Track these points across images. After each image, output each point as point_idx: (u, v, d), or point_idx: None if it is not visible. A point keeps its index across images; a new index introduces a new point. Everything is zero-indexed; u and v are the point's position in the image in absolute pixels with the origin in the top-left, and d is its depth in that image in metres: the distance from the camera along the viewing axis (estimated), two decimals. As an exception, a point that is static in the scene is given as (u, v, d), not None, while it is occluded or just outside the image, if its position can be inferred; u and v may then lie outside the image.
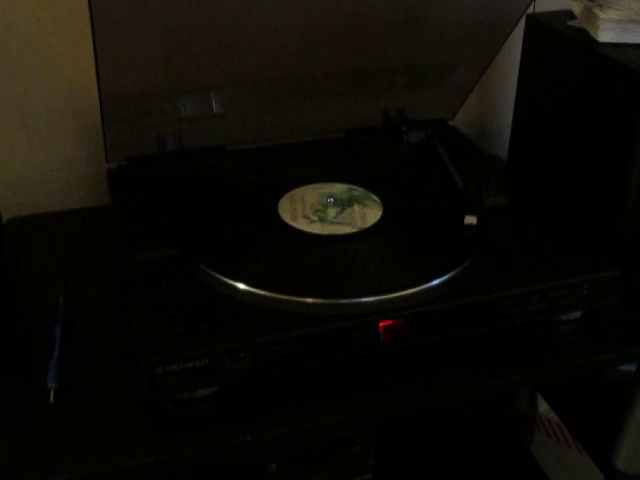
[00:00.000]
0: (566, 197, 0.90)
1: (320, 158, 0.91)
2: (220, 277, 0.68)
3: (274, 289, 0.66)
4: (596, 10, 0.84)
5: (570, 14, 0.91)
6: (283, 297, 0.66)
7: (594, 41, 0.84)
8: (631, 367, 0.84)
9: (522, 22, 0.91)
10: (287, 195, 0.81)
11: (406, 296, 0.67)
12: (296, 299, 0.66)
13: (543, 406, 1.16)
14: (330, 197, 0.79)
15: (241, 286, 0.67)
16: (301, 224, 0.76)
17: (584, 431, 1.01)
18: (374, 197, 0.81)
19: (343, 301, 0.66)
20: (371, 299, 0.66)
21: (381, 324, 0.65)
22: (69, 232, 0.91)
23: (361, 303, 0.66)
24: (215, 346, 0.61)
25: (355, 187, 0.82)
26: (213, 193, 0.83)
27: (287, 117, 0.92)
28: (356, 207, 0.79)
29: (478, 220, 0.74)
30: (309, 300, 0.66)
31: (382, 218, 0.77)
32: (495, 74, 1.07)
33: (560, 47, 0.90)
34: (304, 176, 0.84)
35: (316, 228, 0.75)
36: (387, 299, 0.66)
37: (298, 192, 0.81)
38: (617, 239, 0.83)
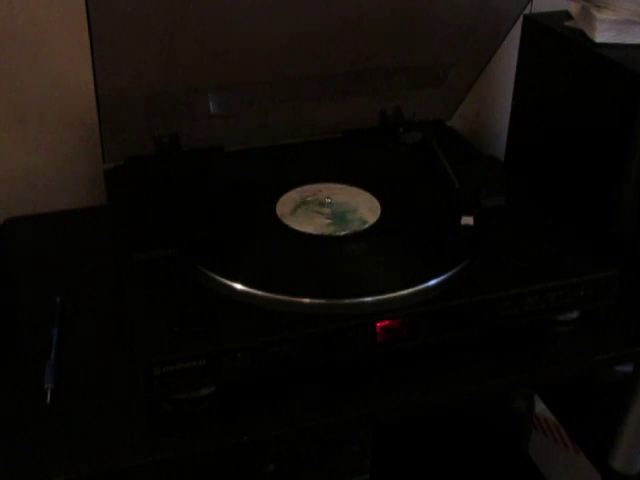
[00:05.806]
0: (563, 197, 0.90)
1: (317, 159, 0.91)
2: (218, 277, 0.68)
3: (271, 289, 0.66)
4: (593, 10, 0.84)
5: (567, 15, 0.91)
6: (280, 297, 0.66)
7: (591, 41, 0.84)
8: (628, 367, 0.84)
9: (519, 22, 0.91)
10: (285, 196, 0.81)
11: (403, 296, 0.67)
12: (293, 299, 0.66)
13: (540, 406, 1.16)
14: (329, 198, 0.79)
15: (238, 286, 0.67)
16: (298, 224, 0.76)
17: (581, 431, 1.01)
18: (375, 220, 0.77)
19: (340, 301, 0.66)
20: (368, 299, 0.66)
21: (378, 324, 0.65)
22: (66, 232, 0.91)
23: (358, 303, 0.66)
24: (212, 347, 0.61)
25: (376, 202, 0.80)
26: (210, 193, 0.83)
27: (284, 118, 0.92)
28: (341, 218, 0.77)
29: (475, 220, 0.75)
30: (306, 300, 0.66)
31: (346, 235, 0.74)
32: (492, 74, 1.07)
33: (557, 47, 0.90)
34: (301, 177, 0.84)
35: (309, 228, 0.75)
36: (384, 299, 0.66)
37: (296, 192, 0.81)
38: (614, 239, 0.83)
